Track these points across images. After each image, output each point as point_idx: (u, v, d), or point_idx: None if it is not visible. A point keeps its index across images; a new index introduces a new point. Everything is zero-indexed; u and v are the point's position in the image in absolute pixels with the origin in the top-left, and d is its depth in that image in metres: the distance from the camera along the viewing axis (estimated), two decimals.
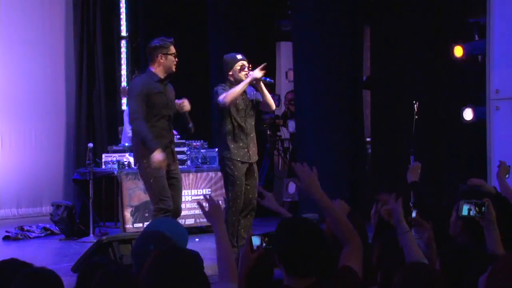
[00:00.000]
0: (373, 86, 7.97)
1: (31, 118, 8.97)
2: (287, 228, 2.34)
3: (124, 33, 9.62)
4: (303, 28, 7.53)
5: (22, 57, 8.87)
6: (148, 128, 4.79)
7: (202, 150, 7.32)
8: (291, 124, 8.49)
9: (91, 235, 6.60)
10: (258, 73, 5.12)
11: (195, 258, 2.12)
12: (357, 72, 7.61)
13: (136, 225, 6.64)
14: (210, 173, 7.22)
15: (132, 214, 6.67)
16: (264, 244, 2.44)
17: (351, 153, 7.44)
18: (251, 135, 5.26)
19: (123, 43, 9.64)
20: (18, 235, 6.85)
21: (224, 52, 8.53)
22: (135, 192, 6.71)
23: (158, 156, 4.69)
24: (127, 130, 7.45)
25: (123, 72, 9.66)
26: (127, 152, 7.01)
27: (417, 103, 6.58)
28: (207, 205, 2.60)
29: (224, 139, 5.23)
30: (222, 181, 7.15)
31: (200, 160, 7.26)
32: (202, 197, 7.12)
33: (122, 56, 9.65)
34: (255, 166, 5.34)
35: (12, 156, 8.78)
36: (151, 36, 9.13)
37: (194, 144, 7.30)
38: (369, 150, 8.01)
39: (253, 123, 5.32)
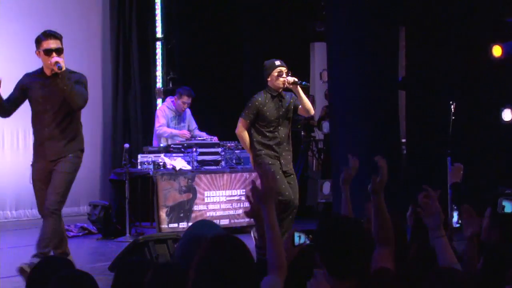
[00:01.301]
0: (409, 87, 7.89)
1: None
2: (331, 227, 2.28)
3: (159, 34, 9.72)
4: (337, 29, 7.49)
5: None
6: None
7: (236, 151, 7.35)
8: (325, 125, 8.46)
9: (127, 234, 6.68)
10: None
11: (246, 247, 2.08)
12: (392, 73, 7.53)
13: (171, 225, 6.71)
14: (244, 174, 7.24)
15: (168, 214, 6.73)
16: (307, 241, 2.41)
17: (386, 155, 7.34)
18: (284, 143, 5.27)
19: (158, 44, 9.74)
20: None
21: (258, 53, 8.61)
22: (170, 193, 6.78)
23: None
24: (156, 127, 7.56)
25: (158, 73, 9.75)
26: (162, 152, 7.09)
27: (454, 104, 6.49)
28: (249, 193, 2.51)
29: (254, 147, 5.31)
30: (257, 181, 7.19)
31: (234, 161, 7.28)
32: (236, 197, 7.15)
33: (157, 57, 9.74)
34: (293, 174, 5.37)
35: None
36: (186, 38, 9.35)
37: (229, 145, 7.33)
38: (404, 152, 7.93)
39: (287, 131, 5.33)
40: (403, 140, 7.95)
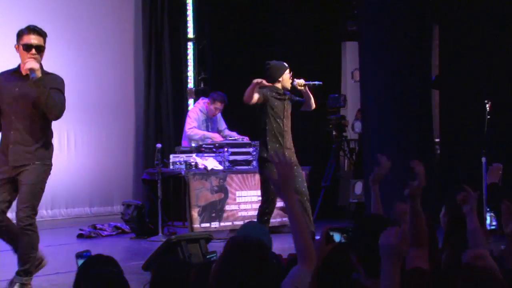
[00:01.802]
0: (442, 86, 7.79)
1: (102, 119, 9.23)
2: (368, 226, 2.25)
3: (190, 35, 9.78)
4: (369, 28, 7.43)
5: (91, 59, 9.14)
6: None
7: None
8: (357, 125, 8.41)
9: (160, 234, 6.73)
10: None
11: (267, 249, 2.08)
12: (425, 71, 7.45)
13: (203, 224, 6.74)
14: None
15: (200, 214, 6.76)
16: (342, 240, 2.38)
17: (419, 154, 7.29)
18: (287, 137, 5.65)
19: (190, 44, 9.80)
20: (91, 233, 7.08)
21: (289, 53, 8.60)
22: (202, 192, 6.81)
23: None
24: (186, 129, 7.60)
25: (190, 73, 9.82)
26: (194, 152, 7.12)
27: (489, 103, 6.39)
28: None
29: (263, 140, 5.66)
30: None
31: None
32: None
33: (188, 57, 9.81)
34: (297, 165, 5.59)
35: (85, 157, 9.06)
36: (217, 38, 9.39)
37: None
38: (438, 151, 7.83)
39: (289, 125, 5.72)
40: (437, 140, 7.85)
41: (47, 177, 4.31)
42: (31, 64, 4.02)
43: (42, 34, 4.18)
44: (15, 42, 4.21)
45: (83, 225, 7.44)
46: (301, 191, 5.43)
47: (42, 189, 4.28)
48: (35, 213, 4.26)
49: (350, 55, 9.57)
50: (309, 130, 8.35)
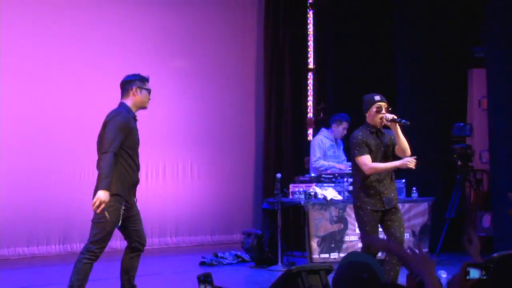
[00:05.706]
0: None
1: (223, 150, 9.46)
2: (508, 262, 2.13)
3: (311, 65, 9.85)
4: (497, 54, 7.11)
5: (213, 90, 9.42)
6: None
7: None
8: (485, 155, 8.02)
9: (279, 263, 6.74)
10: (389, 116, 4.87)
11: None
12: None
13: (322, 255, 6.68)
14: None
15: (319, 244, 6.71)
16: (483, 276, 2.27)
17: None
18: (385, 181, 4.91)
19: (310, 75, 9.86)
20: (213, 261, 7.22)
21: (412, 82, 8.40)
22: (321, 223, 6.76)
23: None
24: (312, 161, 7.59)
25: (309, 103, 9.86)
26: (314, 182, 7.10)
27: None
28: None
29: (355, 186, 5.01)
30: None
31: None
32: None
33: (308, 88, 9.86)
34: (396, 208, 4.95)
35: (207, 187, 9.31)
36: (338, 69, 9.38)
37: None
38: None
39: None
40: None
41: (112, 215, 4.40)
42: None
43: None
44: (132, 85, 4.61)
45: (204, 252, 7.62)
46: (395, 237, 4.83)
47: (101, 225, 4.44)
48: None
49: (477, 83, 9.20)
50: (433, 160, 8.07)
